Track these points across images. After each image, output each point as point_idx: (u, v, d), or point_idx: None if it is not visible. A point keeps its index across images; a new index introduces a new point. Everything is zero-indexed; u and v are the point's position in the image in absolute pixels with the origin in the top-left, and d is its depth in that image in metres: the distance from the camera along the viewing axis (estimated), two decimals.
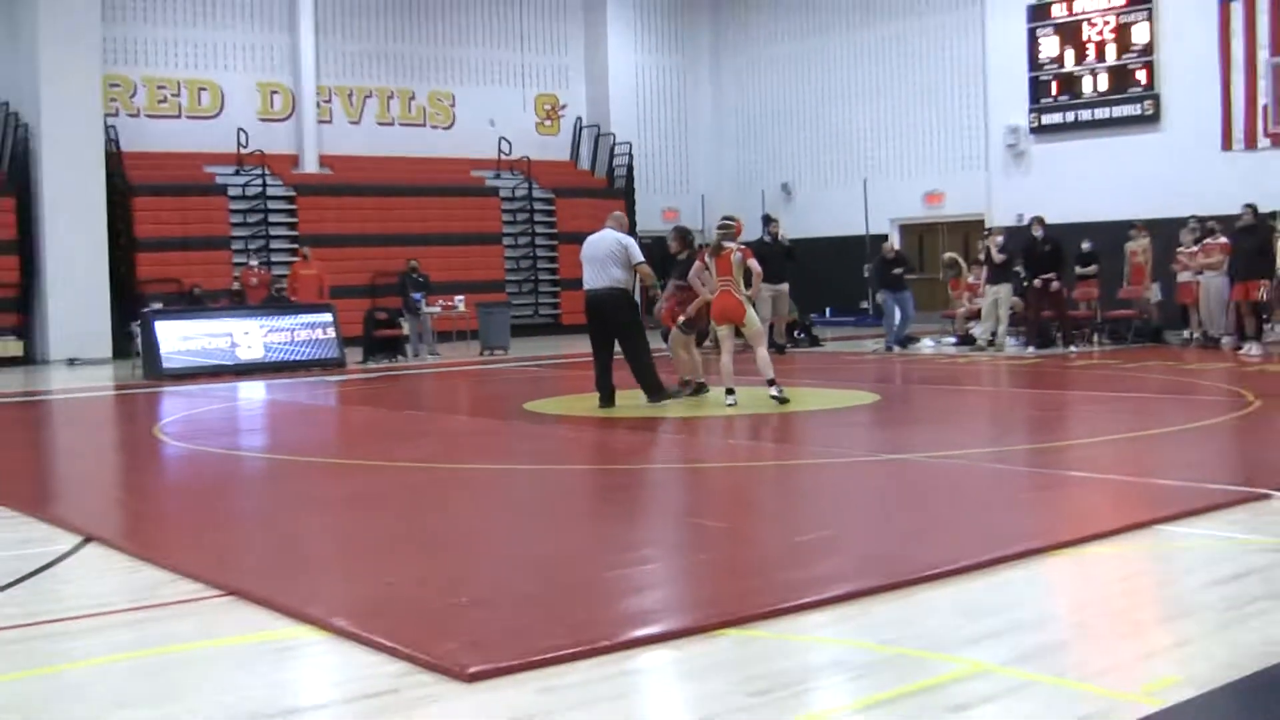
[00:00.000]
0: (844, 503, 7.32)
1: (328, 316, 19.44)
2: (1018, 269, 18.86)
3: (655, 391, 11.97)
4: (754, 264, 11.93)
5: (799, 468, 8.50)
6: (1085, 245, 19.86)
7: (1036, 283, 18.47)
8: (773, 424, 10.98)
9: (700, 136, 31.19)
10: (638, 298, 12.61)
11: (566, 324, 27.73)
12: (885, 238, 27.44)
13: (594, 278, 11.71)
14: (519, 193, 28.09)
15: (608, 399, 11.92)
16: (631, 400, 12.35)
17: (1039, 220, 18.78)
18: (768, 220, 21.04)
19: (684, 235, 13.28)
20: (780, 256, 19.75)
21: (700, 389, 12.48)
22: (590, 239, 12.03)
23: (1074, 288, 19.46)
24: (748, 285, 11.81)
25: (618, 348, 12.06)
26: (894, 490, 7.63)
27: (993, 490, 7.43)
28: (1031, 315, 18.70)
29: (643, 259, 11.87)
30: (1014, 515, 6.68)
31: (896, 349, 19.38)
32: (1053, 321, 18.81)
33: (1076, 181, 23.33)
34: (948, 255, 21.62)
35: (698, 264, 11.96)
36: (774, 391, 11.59)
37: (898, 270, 19.93)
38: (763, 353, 11.85)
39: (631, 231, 28.50)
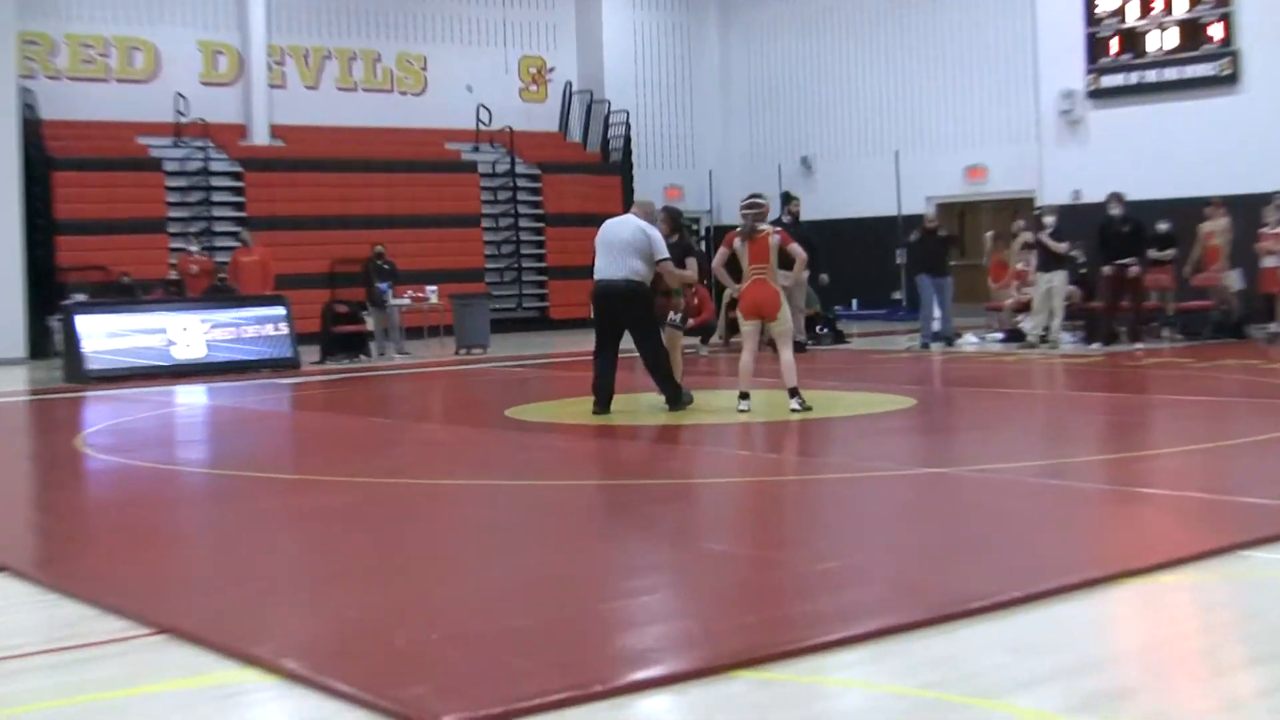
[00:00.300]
0: (875, 524, 7.30)
1: (280, 310, 19.41)
2: (1075, 253, 18.83)
3: (677, 398, 12.01)
4: (796, 249, 11.92)
5: (823, 483, 8.48)
6: (1162, 226, 19.84)
7: (1107, 269, 18.43)
8: (792, 433, 10.98)
9: (707, 104, 31.24)
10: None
11: (555, 318, 27.76)
12: (920, 219, 27.47)
13: (609, 266, 11.78)
14: (500, 168, 28.10)
15: (604, 404, 11.95)
16: (628, 406, 12.34)
17: (1117, 197, 18.71)
18: (787, 198, 21.05)
19: (675, 217, 13.32)
20: (803, 240, 19.69)
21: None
22: (609, 223, 12.12)
23: (1146, 275, 19.42)
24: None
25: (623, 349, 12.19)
26: (932, 509, 7.60)
27: (1047, 510, 7.40)
28: (1104, 307, 18.66)
29: (667, 255, 11.88)
30: (1072, 538, 6.66)
31: (934, 346, 19.38)
32: (1126, 314, 18.77)
33: (1141, 153, 23.26)
34: (989, 234, 21.64)
35: (722, 250, 11.91)
36: (795, 404, 11.57)
37: (941, 247, 19.89)
38: (789, 356, 11.80)
39: (629, 210, 29.03)
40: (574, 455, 10.13)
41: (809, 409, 11.59)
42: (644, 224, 11.87)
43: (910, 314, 24.66)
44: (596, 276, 11.89)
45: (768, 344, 12.37)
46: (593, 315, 12.15)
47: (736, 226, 11.89)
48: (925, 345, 19.42)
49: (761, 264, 11.73)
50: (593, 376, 12.06)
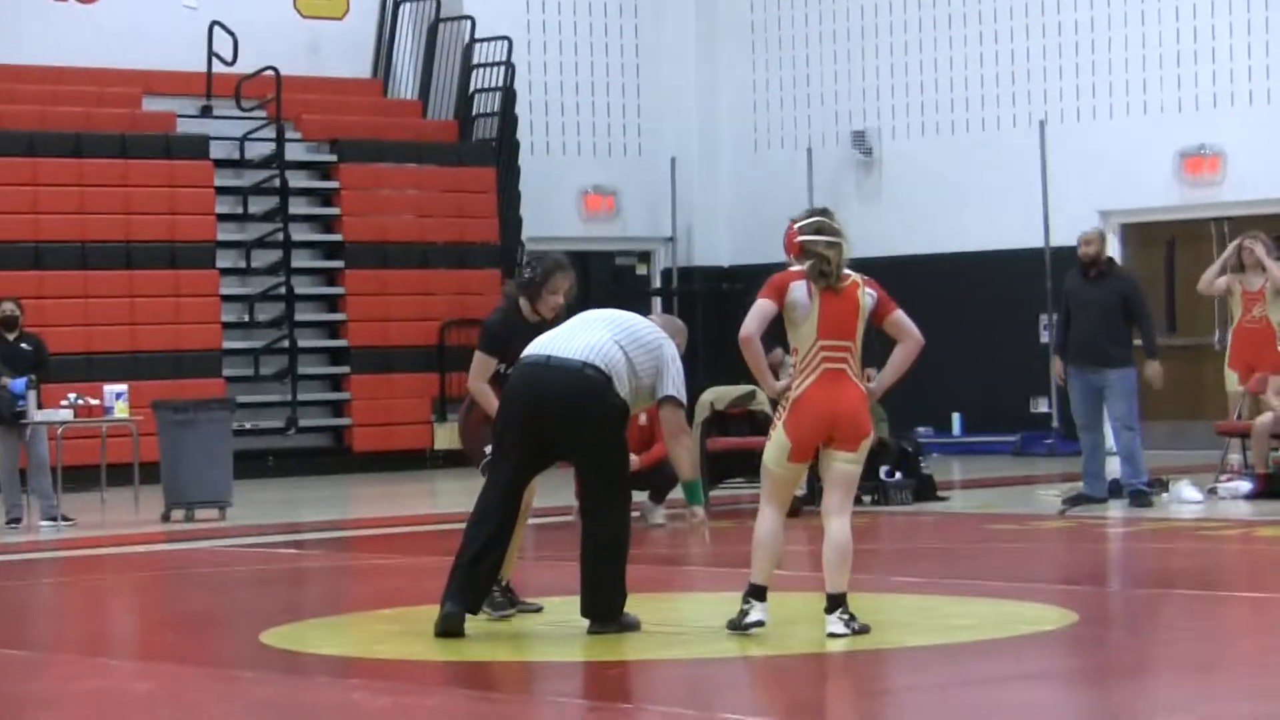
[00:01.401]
0: None
1: None
2: None
3: (615, 614, 12.13)
4: (903, 324, 12.19)
5: None
6: None
7: None
8: (839, 675, 11.02)
9: (670, 30, 31.62)
10: None
11: (360, 451, 27.66)
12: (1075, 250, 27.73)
13: (571, 343, 12.26)
14: (255, 150, 28.24)
15: (467, 602, 12.04)
16: (492, 628, 12.35)
17: None
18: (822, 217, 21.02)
19: (547, 273, 13.39)
20: None
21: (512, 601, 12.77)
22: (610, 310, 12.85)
23: None
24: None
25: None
26: None
27: None
28: None
29: (679, 396, 12.36)
30: None
31: (1109, 506, 19.52)
32: None
33: None
34: (1245, 242, 21.58)
35: (764, 304, 11.96)
36: (839, 624, 11.60)
37: (1120, 303, 19.98)
38: (847, 529, 11.85)
39: (514, 239, 29.28)
40: None
41: (866, 630, 11.66)
42: (667, 340, 12.50)
43: (1066, 444, 24.73)
44: (529, 352, 12.30)
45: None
46: (501, 425, 12.34)
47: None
48: (1081, 501, 19.50)
49: (844, 340, 11.82)
50: (464, 540, 12.15)
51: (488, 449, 12.60)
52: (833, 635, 11.55)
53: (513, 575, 12.73)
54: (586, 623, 12.20)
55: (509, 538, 12.26)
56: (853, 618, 11.66)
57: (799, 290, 11.77)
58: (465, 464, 27.54)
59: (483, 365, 12.88)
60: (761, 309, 11.79)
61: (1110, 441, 20.01)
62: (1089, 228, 20.58)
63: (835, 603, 11.66)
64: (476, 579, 12.10)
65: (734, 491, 21.28)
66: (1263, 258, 21.09)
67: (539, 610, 12.67)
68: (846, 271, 11.88)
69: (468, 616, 12.06)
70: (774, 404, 12.79)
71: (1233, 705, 10.02)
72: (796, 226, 12.09)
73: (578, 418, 12.07)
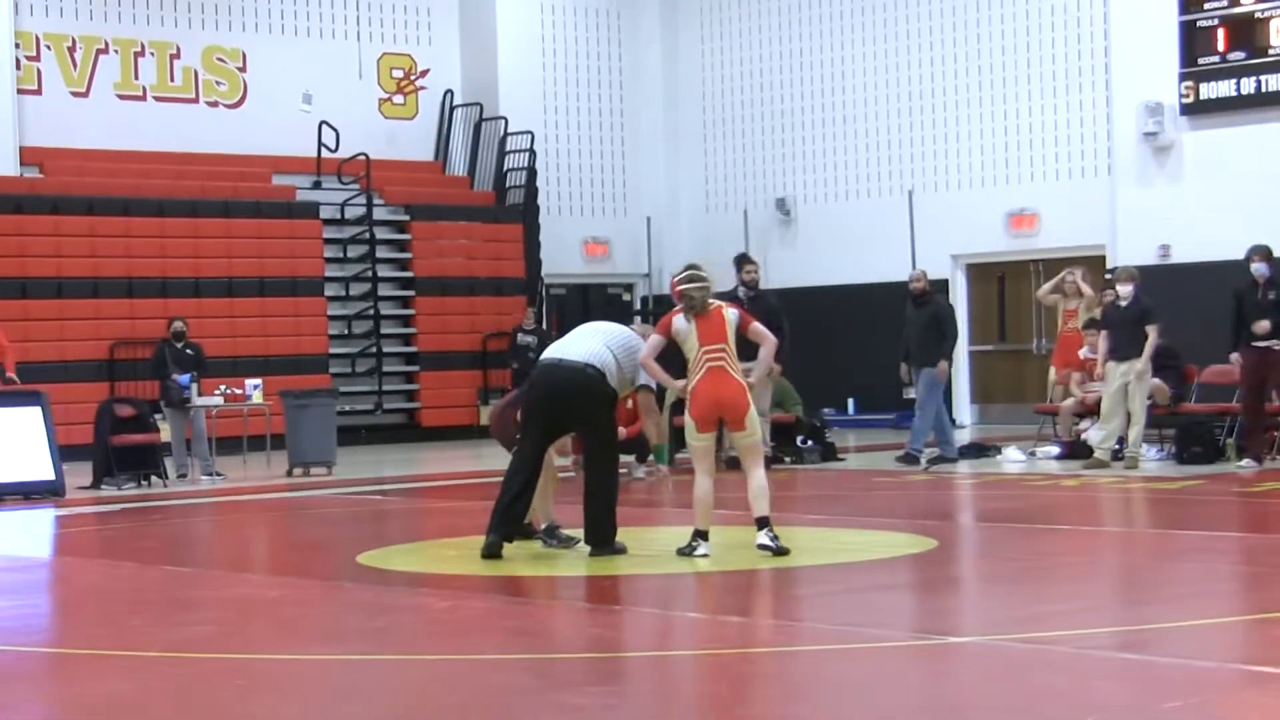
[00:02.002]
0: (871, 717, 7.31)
1: (35, 412, 19.25)
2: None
3: (608, 540, 12.28)
4: (761, 329, 12.17)
5: (801, 658, 8.49)
6: None
7: (1236, 355, 18.29)
8: (764, 586, 11.03)
9: (646, 125, 31.58)
10: None
11: (428, 425, 27.68)
12: (945, 285, 27.72)
13: (569, 347, 12.44)
14: (351, 213, 28.15)
15: (504, 535, 12.19)
16: (522, 550, 12.37)
17: (1261, 252, 18.61)
18: (742, 262, 20.74)
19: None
20: (769, 316, 19.71)
21: (558, 537, 12.71)
22: (602, 323, 12.99)
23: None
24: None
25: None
26: (956, 696, 7.60)
27: (1122, 696, 7.43)
28: (1247, 407, 18.47)
29: (650, 385, 12.40)
30: None
31: (928, 464, 19.77)
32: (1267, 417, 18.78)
33: (1256, 192, 23.40)
34: (1067, 277, 21.53)
35: (655, 339, 12.06)
36: (767, 538, 11.67)
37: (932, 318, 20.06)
38: (760, 476, 11.91)
39: (535, 275, 29.26)
40: (458, 621, 10.06)
41: (785, 551, 11.65)
42: (643, 341, 12.46)
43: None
44: (545, 356, 12.50)
45: (726, 462, 12.38)
46: (527, 408, 12.48)
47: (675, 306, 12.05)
48: (930, 463, 19.66)
49: (718, 345, 11.84)
50: (500, 492, 12.22)
51: (519, 435, 12.64)
52: (762, 547, 11.69)
53: (555, 516, 12.74)
54: (589, 545, 12.26)
55: (534, 487, 12.26)
56: (776, 536, 11.74)
57: (680, 321, 12.04)
58: None
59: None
60: (654, 342, 12.15)
61: (950, 416, 20.08)
62: (916, 270, 20.48)
63: (762, 523, 11.78)
64: (512, 516, 12.19)
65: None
66: (1080, 284, 21.23)
67: (578, 542, 12.57)
68: (712, 301, 12.00)
69: (505, 543, 12.12)
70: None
71: (1050, 606, 10.07)
72: (675, 279, 12.16)
73: (581, 403, 12.13)
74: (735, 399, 11.85)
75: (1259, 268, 18.38)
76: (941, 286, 27.41)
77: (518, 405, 13.04)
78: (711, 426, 12.01)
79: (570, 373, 12.11)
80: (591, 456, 12.49)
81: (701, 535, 11.86)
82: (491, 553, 12.05)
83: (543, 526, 12.68)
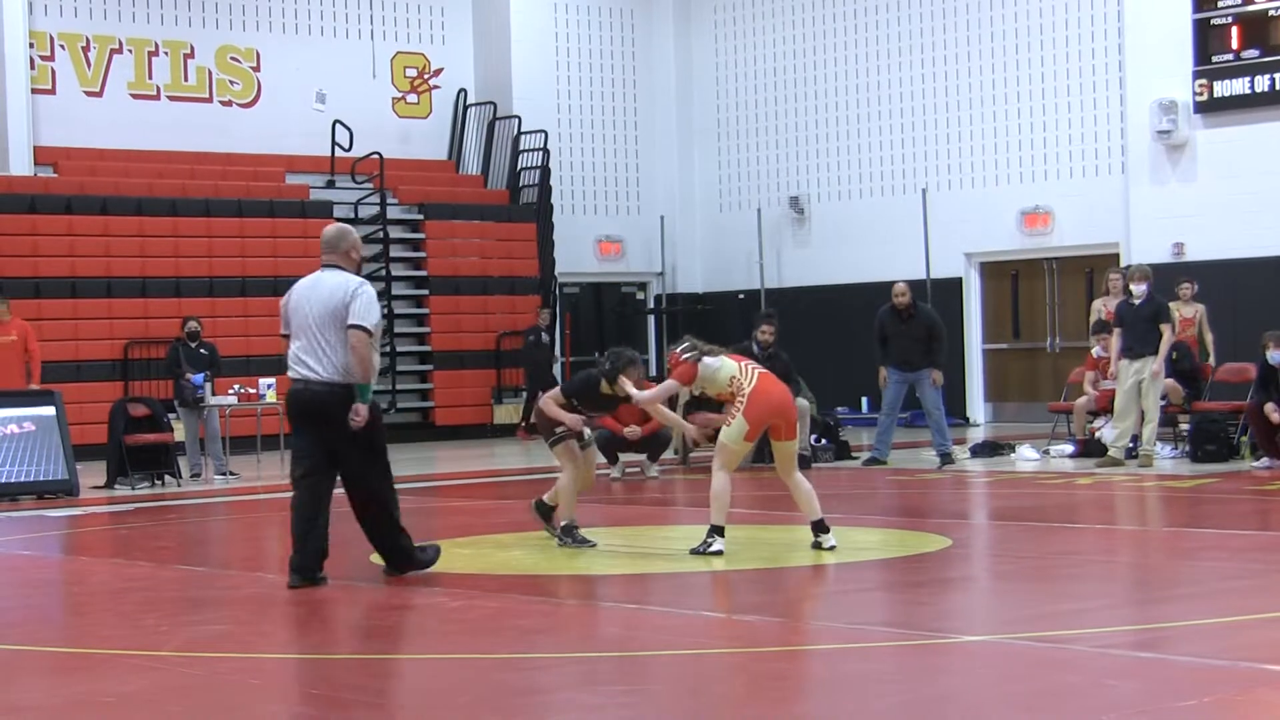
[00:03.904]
0: (896, 710, 7.30)
1: (48, 411, 19.25)
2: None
3: (408, 556, 11.47)
4: (650, 394, 12.40)
5: (815, 656, 8.51)
6: None
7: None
8: (778, 584, 11.10)
9: (659, 124, 31.53)
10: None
11: (442, 424, 27.67)
12: (958, 283, 27.70)
13: (307, 358, 11.09)
14: (365, 211, 28.16)
15: (310, 567, 11.24)
16: (535, 549, 12.27)
17: (1275, 339, 18.23)
18: (762, 320, 20.33)
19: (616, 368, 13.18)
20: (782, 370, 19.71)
21: (575, 537, 12.59)
22: (300, 287, 11.28)
23: None
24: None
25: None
26: (971, 695, 7.59)
27: (1137, 694, 7.42)
28: (1256, 416, 18.22)
29: (378, 320, 11.10)
30: None
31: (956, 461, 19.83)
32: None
33: (1270, 190, 23.41)
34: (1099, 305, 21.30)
35: (670, 384, 12.14)
36: (831, 539, 11.85)
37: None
38: (805, 479, 12.17)
39: (549, 274, 29.32)
40: (470, 621, 10.06)
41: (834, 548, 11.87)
42: (350, 279, 11.13)
43: (952, 419, 24.75)
44: (291, 374, 11.20)
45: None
46: (289, 428, 11.49)
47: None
48: (949, 460, 19.64)
49: (752, 364, 12.18)
50: (292, 519, 11.28)
51: (558, 429, 12.50)
52: (830, 549, 11.86)
53: (575, 515, 12.68)
54: (604, 544, 12.18)
55: (324, 513, 11.33)
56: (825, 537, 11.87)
57: (709, 360, 11.95)
58: (514, 433, 27.63)
59: (559, 400, 12.52)
60: (668, 386, 12.22)
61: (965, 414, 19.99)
62: (898, 284, 20.26)
63: (821, 527, 11.87)
64: (308, 542, 11.30)
65: (705, 454, 21.27)
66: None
67: (594, 544, 12.53)
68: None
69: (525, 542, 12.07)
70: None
71: (1065, 604, 10.07)
72: (677, 351, 12.18)
73: (331, 423, 11.26)
74: (791, 404, 12.11)
75: (1275, 356, 18.10)
76: (955, 285, 27.50)
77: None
78: (758, 435, 12.06)
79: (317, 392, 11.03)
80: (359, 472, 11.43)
81: (718, 531, 11.90)
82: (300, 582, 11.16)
83: (562, 524, 12.65)
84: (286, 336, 11.25)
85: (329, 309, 10.94)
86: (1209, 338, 20.65)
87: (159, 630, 9.86)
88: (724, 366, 12.00)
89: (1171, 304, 20.37)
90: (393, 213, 28.40)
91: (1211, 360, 20.71)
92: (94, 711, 7.67)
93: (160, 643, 9.29)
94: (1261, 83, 23.59)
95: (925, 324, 20.02)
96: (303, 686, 8.30)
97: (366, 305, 10.91)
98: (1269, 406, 17.89)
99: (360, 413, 10.99)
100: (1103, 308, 20.97)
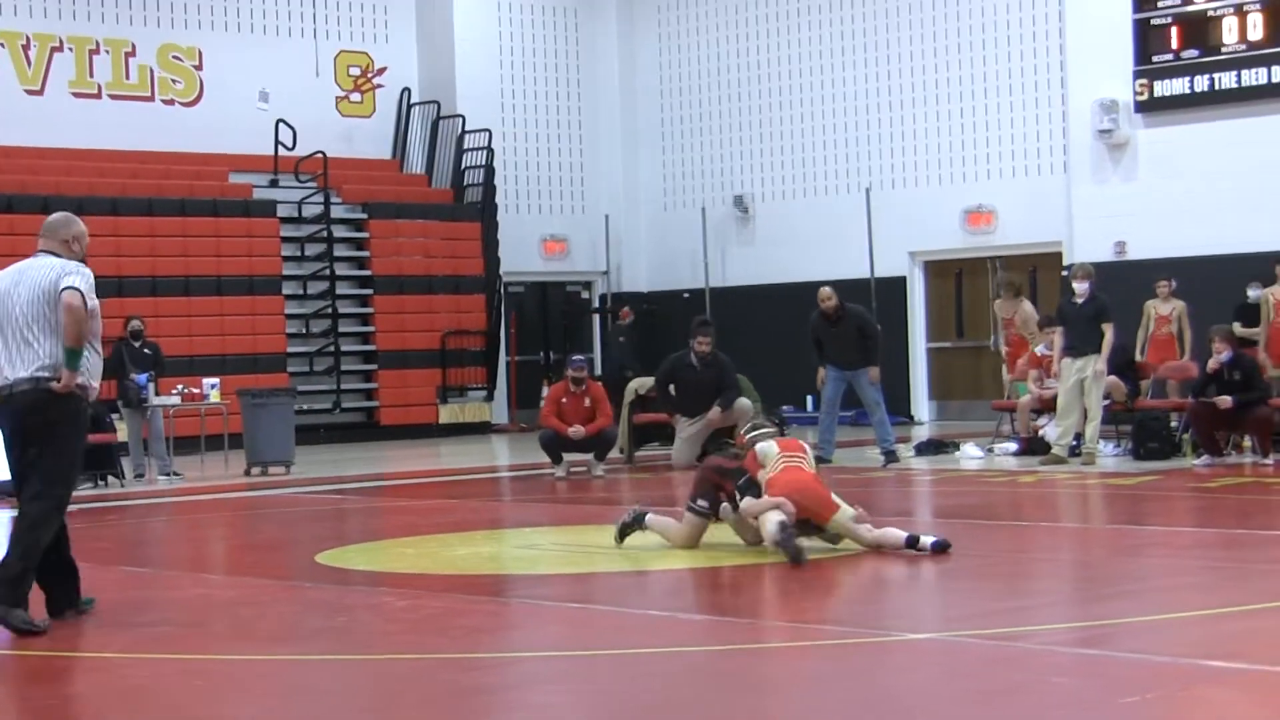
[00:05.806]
0: (852, 707, 7.32)
1: None
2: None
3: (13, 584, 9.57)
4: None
5: (757, 655, 8.51)
6: (1251, 292, 20.12)
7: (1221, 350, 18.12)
8: (728, 584, 11.16)
9: (603, 123, 31.53)
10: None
11: (387, 423, 27.61)
12: (902, 282, 27.80)
13: (5, 363, 9.94)
14: (309, 211, 28.07)
15: (60, 598, 10.01)
16: (480, 549, 12.27)
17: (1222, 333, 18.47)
18: (696, 329, 20.27)
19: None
20: (709, 383, 19.66)
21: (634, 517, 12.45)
22: (5, 274, 10.17)
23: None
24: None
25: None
26: (916, 693, 7.62)
27: (1081, 691, 7.45)
28: (1198, 413, 18.33)
29: (95, 304, 10.19)
30: None
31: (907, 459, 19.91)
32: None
33: (1210, 189, 23.56)
34: (1003, 276, 21.58)
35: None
36: (929, 540, 11.74)
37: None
38: (872, 531, 12.02)
39: (494, 273, 29.35)
40: (416, 620, 10.03)
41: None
42: (65, 264, 10.15)
43: (896, 417, 24.85)
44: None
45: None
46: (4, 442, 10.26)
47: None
48: (893, 458, 19.69)
49: (797, 453, 12.11)
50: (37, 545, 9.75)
51: (706, 506, 12.13)
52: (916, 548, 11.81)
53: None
54: (549, 543, 12.17)
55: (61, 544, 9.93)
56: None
57: (767, 444, 11.94)
58: (462, 433, 27.67)
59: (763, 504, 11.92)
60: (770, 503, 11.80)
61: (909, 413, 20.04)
62: (823, 289, 20.17)
63: (911, 541, 11.79)
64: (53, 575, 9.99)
65: (651, 453, 21.35)
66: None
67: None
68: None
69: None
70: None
71: (1009, 601, 10.11)
72: (743, 433, 12.41)
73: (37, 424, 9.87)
74: (811, 487, 11.88)
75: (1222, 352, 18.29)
76: (899, 284, 27.58)
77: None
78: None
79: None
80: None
81: (639, 518, 12.17)
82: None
83: (635, 510, 12.48)
84: None
85: (39, 292, 9.90)
86: (1189, 335, 20.65)
87: (102, 632, 9.80)
88: (770, 450, 11.99)
89: (1149, 302, 20.54)
90: (337, 212, 28.32)
91: (1186, 357, 20.59)
92: (38, 716, 7.63)
93: (104, 645, 9.25)
94: (1201, 83, 23.78)
95: (855, 324, 20.02)
96: (248, 688, 8.27)
97: (83, 279, 10.03)
98: (1220, 398, 18.00)
99: (65, 378, 9.80)
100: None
